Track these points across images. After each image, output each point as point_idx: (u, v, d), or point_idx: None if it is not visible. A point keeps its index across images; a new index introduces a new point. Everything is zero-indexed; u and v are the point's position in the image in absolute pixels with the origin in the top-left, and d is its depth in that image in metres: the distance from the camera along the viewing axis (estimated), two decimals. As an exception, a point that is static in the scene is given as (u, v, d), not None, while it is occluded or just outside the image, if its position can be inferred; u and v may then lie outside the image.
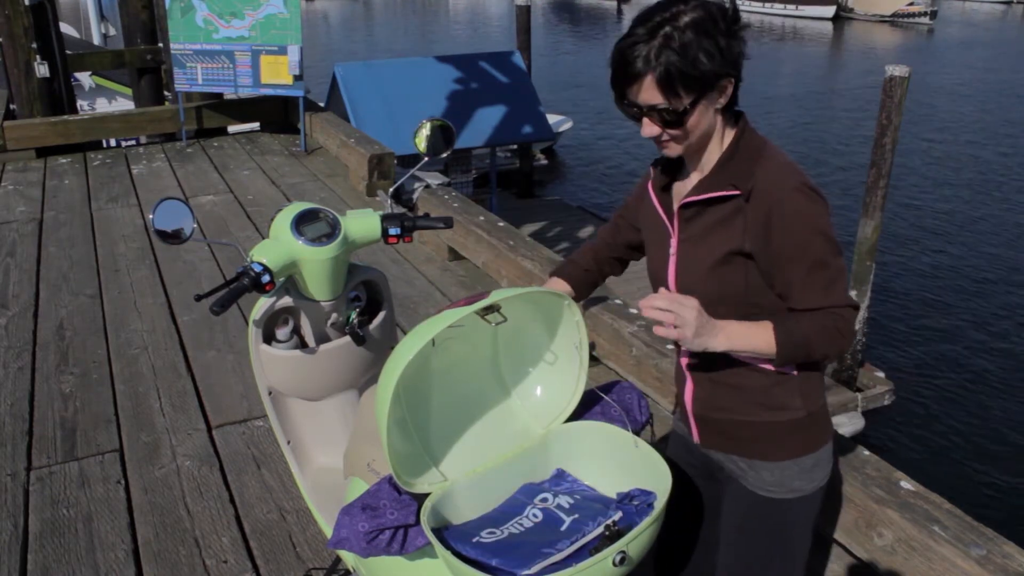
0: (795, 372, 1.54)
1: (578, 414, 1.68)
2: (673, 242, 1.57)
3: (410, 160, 8.05)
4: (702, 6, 1.38)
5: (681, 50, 1.35)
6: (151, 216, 1.76)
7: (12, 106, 7.17)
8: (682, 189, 1.57)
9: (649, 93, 1.39)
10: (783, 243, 1.42)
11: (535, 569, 1.34)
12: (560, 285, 1.85)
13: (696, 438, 1.67)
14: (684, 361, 1.63)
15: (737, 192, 1.45)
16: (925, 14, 40.75)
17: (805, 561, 1.66)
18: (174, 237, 1.79)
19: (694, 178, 1.55)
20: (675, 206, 1.56)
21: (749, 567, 1.65)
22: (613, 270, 1.90)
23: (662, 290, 1.42)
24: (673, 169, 1.61)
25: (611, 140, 20.06)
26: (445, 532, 1.45)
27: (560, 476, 1.64)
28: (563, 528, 1.47)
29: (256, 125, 7.62)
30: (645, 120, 1.44)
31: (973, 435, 8.67)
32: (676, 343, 1.64)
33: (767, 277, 1.47)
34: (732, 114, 1.49)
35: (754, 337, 1.45)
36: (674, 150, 1.48)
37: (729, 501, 1.66)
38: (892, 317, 10.97)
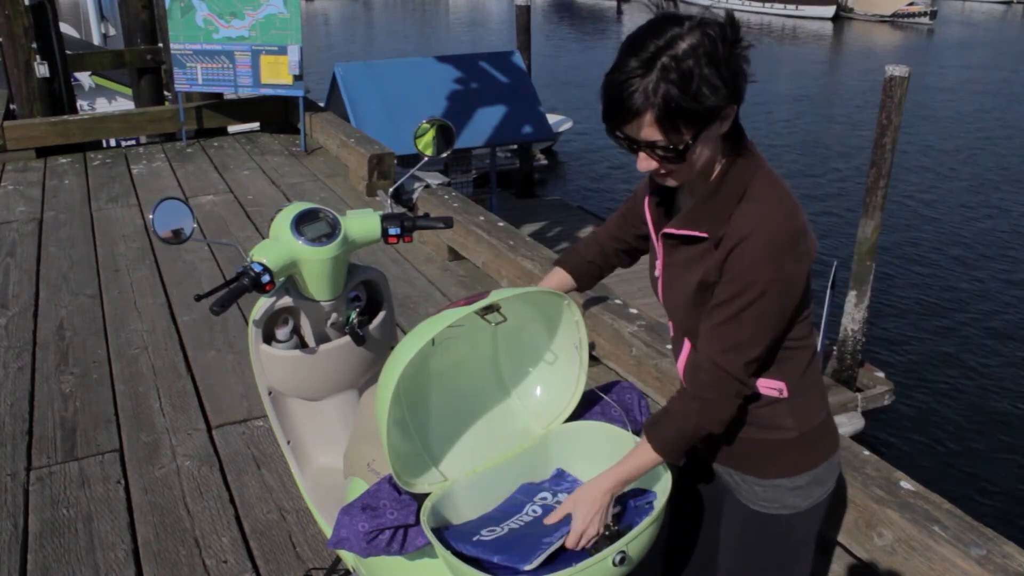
0: (785, 393, 1.48)
1: (578, 414, 1.68)
2: (659, 264, 1.53)
3: (410, 160, 8.05)
4: (699, 28, 1.27)
5: (681, 83, 1.24)
6: (151, 216, 1.76)
7: (12, 106, 7.17)
8: (678, 204, 1.53)
9: (647, 131, 1.29)
10: (724, 285, 1.37)
11: (536, 563, 1.34)
12: (560, 275, 1.79)
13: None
14: (680, 370, 1.59)
15: (706, 236, 1.39)
16: (925, 14, 40.72)
17: (808, 572, 1.63)
18: (174, 237, 1.80)
19: (687, 203, 1.49)
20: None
21: (747, 571, 1.64)
22: (620, 262, 1.82)
23: (569, 536, 1.40)
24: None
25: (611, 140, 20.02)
26: (445, 532, 1.45)
27: (560, 476, 1.64)
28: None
29: (256, 125, 7.62)
30: (641, 155, 1.35)
31: (973, 435, 8.67)
32: (672, 346, 1.64)
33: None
34: (731, 139, 1.39)
35: (633, 465, 1.43)
36: (673, 182, 1.40)
37: (728, 511, 1.64)
38: (892, 317, 10.97)
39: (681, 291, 1.46)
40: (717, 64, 1.26)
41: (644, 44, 1.27)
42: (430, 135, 2.15)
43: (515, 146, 14.86)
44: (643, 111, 1.27)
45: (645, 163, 1.35)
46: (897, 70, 8.15)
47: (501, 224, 4.30)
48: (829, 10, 42.79)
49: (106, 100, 13.11)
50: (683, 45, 1.25)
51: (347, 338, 1.99)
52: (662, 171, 1.36)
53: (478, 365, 1.69)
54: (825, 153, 18.70)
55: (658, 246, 1.52)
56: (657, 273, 1.53)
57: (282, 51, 6.27)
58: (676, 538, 1.81)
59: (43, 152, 6.69)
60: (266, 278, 1.74)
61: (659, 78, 1.25)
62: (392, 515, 1.48)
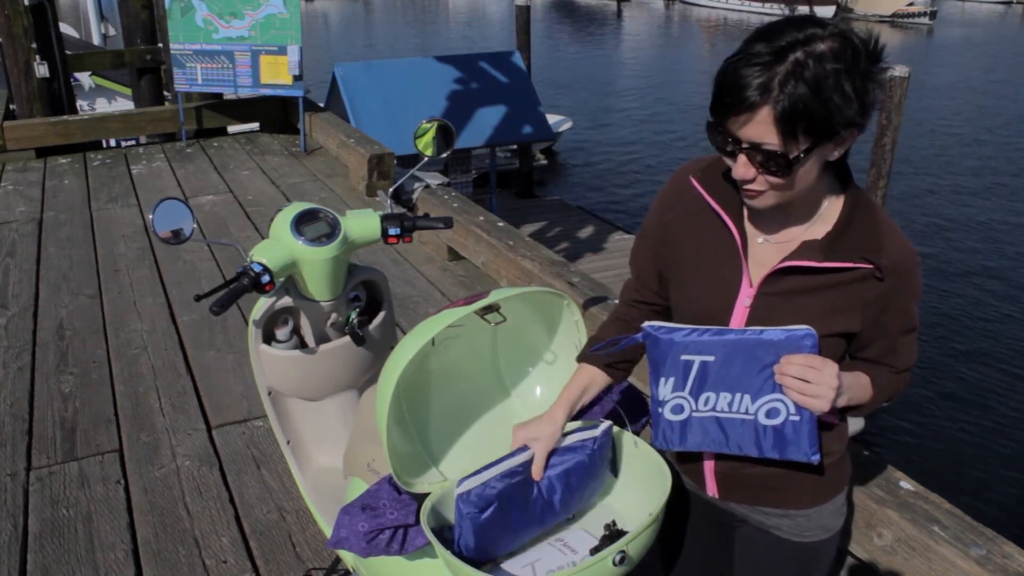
0: (839, 417, 1.45)
1: (578, 414, 1.67)
2: (748, 292, 1.36)
3: (410, 160, 8.05)
4: (842, 36, 1.15)
5: (814, 83, 1.12)
6: (151, 216, 1.76)
7: (12, 106, 7.17)
8: (753, 225, 1.39)
9: (760, 129, 1.16)
10: (898, 314, 1.35)
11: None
12: (587, 373, 1.55)
13: (713, 493, 1.53)
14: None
15: (869, 266, 1.29)
16: (925, 14, 40.74)
17: None
18: (174, 237, 1.79)
19: (783, 227, 1.36)
20: (750, 246, 1.38)
21: None
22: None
23: (799, 357, 1.24)
24: (729, 190, 1.38)
25: (611, 140, 20.07)
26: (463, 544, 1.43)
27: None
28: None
29: (256, 125, 7.62)
30: (741, 159, 1.21)
31: (973, 435, 8.67)
32: None
33: (860, 343, 1.39)
34: (842, 171, 1.33)
35: (861, 391, 1.36)
36: (764, 201, 1.26)
37: (754, 550, 1.56)
38: (892, 317, 10.96)
39: (793, 318, 1.32)
40: (853, 76, 1.14)
41: (778, 33, 1.15)
42: (430, 135, 2.15)
43: (515, 146, 14.86)
44: (762, 104, 1.14)
45: (744, 169, 1.21)
46: (897, 70, 8.15)
47: (501, 224, 4.30)
48: (829, 10, 42.72)
49: (106, 100, 13.12)
50: (822, 45, 1.14)
51: (347, 338, 1.99)
52: (757, 184, 1.24)
53: (478, 365, 1.69)
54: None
55: (747, 268, 1.37)
56: (744, 302, 1.36)
57: (282, 51, 6.27)
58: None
59: (43, 152, 6.69)
60: (266, 278, 1.75)
61: (790, 72, 1.12)
62: (392, 515, 1.48)
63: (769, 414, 1.29)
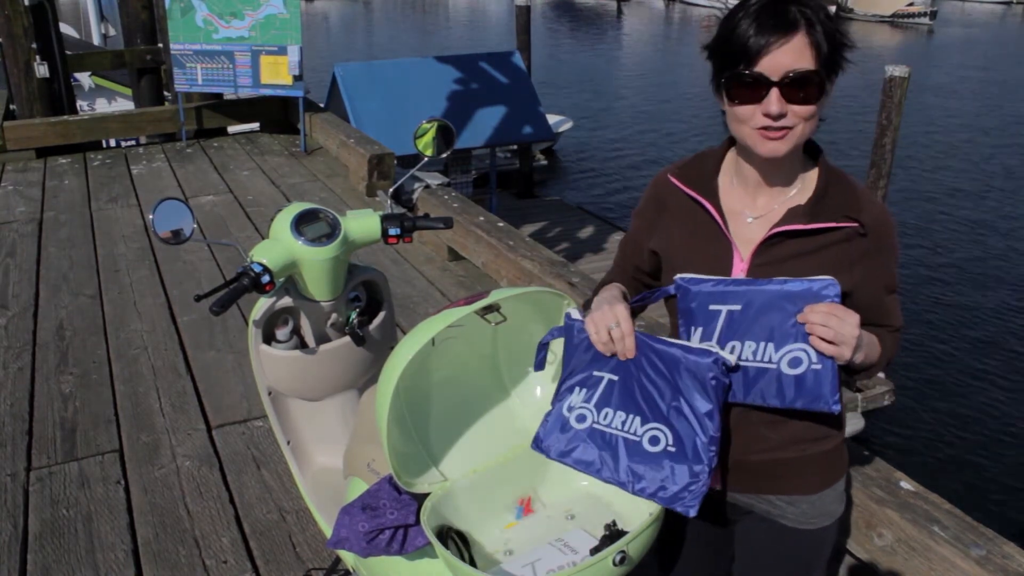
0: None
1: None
2: (740, 266, 1.42)
3: (410, 160, 8.05)
4: None
5: (830, 18, 1.30)
6: (151, 216, 1.76)
7: (12, 106, 7.17)
8: (737, 205, 1.45)
9: (796, 55, 1.27)
10: (881, 273, 1.42)
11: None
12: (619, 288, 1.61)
13: (716, 484, 1.51)
14: None
15: (854, 224, 1.37)
16: (925, 14, 40.71)
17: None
18: (174, 237, 1.79)
19: (765, 200, 1.43)
20: (736, 224, 1.44)
21: None
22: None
23: (822, 305, 1.28)
24: (705, 179, 1.47)
25: (611, 140, 20.06)
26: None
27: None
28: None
29: (256, 125, 7.62)
30: (773, 94, 1.28)
31: (973, 435, 8.67)
32: None
33: (856, 310, 1.37)
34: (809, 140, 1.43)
35: (874, 349, 1.40)
36: (785, 144, 1.33)
37: (758, 541, 1.57)
38: (892, 317, 10.96)
39: None
40: (840, 23, 1.32)
41: None
42: (430, 135, 2.15)
43: (515, 146, 14.86)
44: (797, 30, 1.27)
45: (777, 104, 1.29)
46: (897, 70, 8.16)
47: (501, 224, 4.30)
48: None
49: (106, 100, 13.11)
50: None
51: (347, 338, 1.99)
52: (786, 122, 1.30)
53: (478, 365, 1.69)
54: (825, 153, 18.66)
55: (734, 244, 1.43)
56: (739, 276, 1.43)
57: (282, 51, 6.27)
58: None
59: (43, 152, 6.69)
60: (266, 278, 1.75)
61: (805, 5, 1.29)
62: (392, 515, 1.48)
63: (792, 363, 1.32)
